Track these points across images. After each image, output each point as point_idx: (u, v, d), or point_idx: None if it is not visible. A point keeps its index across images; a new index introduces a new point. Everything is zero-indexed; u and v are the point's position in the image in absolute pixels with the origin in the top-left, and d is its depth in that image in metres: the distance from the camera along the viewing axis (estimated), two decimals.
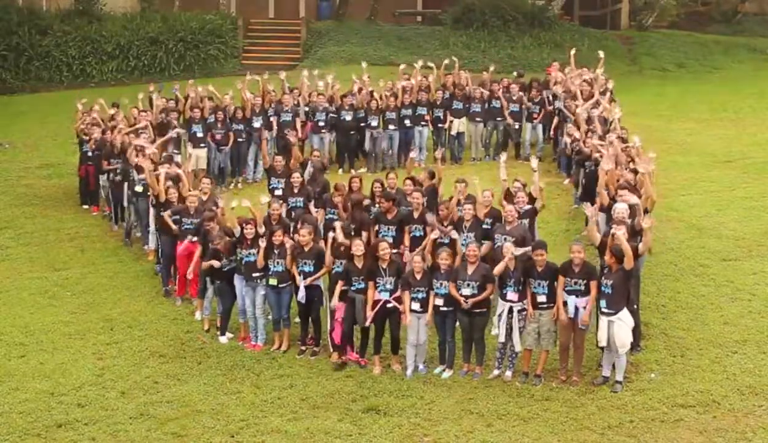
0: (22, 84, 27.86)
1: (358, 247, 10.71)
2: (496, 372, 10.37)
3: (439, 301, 10.39)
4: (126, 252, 14.99)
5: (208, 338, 11.68)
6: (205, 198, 13.10)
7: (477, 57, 28.85)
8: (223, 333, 11.70)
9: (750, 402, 9.44)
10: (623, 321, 9.74)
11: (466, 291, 10.26)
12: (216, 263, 11.51)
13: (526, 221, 11.70)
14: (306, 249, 11.04)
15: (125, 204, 15.52)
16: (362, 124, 18.47)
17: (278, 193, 13.81)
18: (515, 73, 20.99)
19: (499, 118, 18.83)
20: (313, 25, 31.58)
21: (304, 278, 10.97)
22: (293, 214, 12.82)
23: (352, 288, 10.68)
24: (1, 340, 11.78)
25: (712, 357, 10.41)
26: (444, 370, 10.51)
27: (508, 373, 10.29)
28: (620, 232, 9.89)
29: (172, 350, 11.35)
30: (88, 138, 16.71)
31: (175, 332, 11.90)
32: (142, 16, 29.68)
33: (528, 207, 11.92)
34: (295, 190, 13.38)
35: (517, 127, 18.87)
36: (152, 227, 14.14)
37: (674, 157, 18.72)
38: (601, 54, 19.84)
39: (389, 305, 10.51)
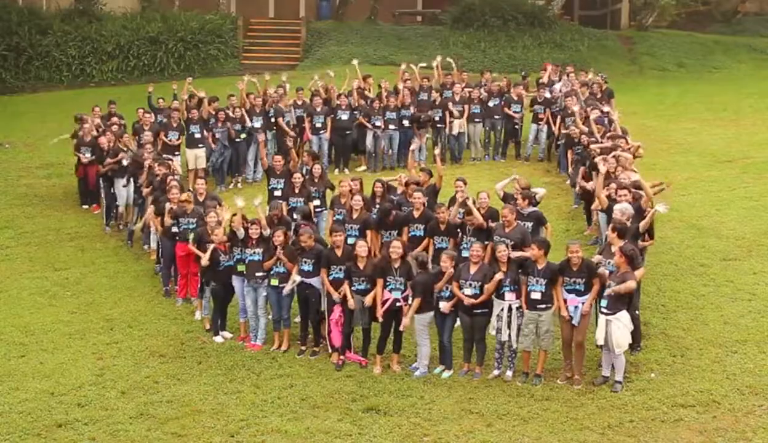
0: (22, 84, 27.84)
1: (362, 248, 10.72)
2: (495, 372, 10.37)
3: (441, 303, 10.41)
4: (126, 252, 15.01)
5: (208, 338, 11.68)
6: (201, 199, 13.06)
7: (477, 57, 28.87)
8: (216, 334, 11.70)
9: (750, 402, 9.43)
10: (621, 322, 9.74)
11: (468, 291, 10.28)
12: (205, 260, 11.52)
13: (530, 224, 11.68)
14: (306, 249, 11.05)
15: (121, 204, 15.56)
16: (357, 124, 18.48)
17: (278, 193, 13.80)
18: (522, 75, 21.04)
19: (497, 116, 18.86)
20: (313, 25, 31.58)
21: (304, 277, 10.99)
22: (294, 214, 12.83)
23: (353, 288, 10.69)
24: (1, 340, 11.79)
25: (712, 357, 10.41)
26: (444, 370, 10.51)
27: (509, 373, 10.29)
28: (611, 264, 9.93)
29: (172, 350, 11.35)
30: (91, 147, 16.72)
31: (175, 332, 11.90)
32: (142, 16, 29.66)
33: (531, 209, 11.89)
34: (296, 190, 13.37)
35: (518, 126, 18.92)
36: (153, 227, 14.17)
37: (674, 157, 18.72)
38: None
39: (398, 304, 10.54)
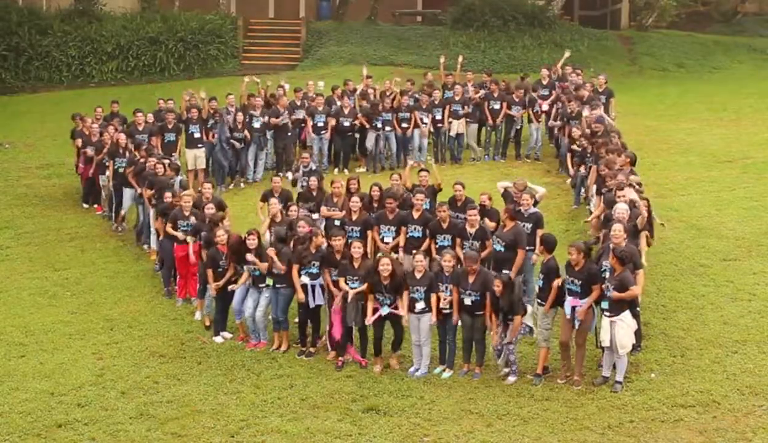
0: (22, 84, 27.82)
1: (356, 249, 10.74)
2: (505, 371, 10.33)
3: (444, 304, 10.43)
4: (126, 252, 15.02)
5: (208, 338, 11.69)
6: (207, 202, 12.92)
7: (477, 57, 28.84)
8: (217, 334, 11.71)
9: (750, 402, 9.43)
10: (625, 322, 9.74)
11: (467, 301, 10.33)
12: (234, 287, 11.57)
13: (529, 225, 11.70)
14: (313, 251, 11.08)
15: (126, 205, 15.59)
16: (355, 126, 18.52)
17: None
18: (521, 76, 21.03)
19: (498, 119, 18.86)
20: (313, 25, 31.57)
21: (312, 279, 11.02)
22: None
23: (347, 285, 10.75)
24: (1, 340, 11.79)
25: (712, 357, 10.40)
26: (444, 370, 10.51)
27: (511, 378, 10.24)
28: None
29: (172, 350, 11.35)
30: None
31: (175, 332, 11.91)
32: (142, 16, 29.63)
33: (532, 210, 11.90)
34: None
35: (519, 126, 18.90)
36: (153, 228, 14.23)
37: (674, 157, 18.71)
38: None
39: (388, 312, 10.59)
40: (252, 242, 11.33)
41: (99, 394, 10.20)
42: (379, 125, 18.33)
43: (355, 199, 12.30)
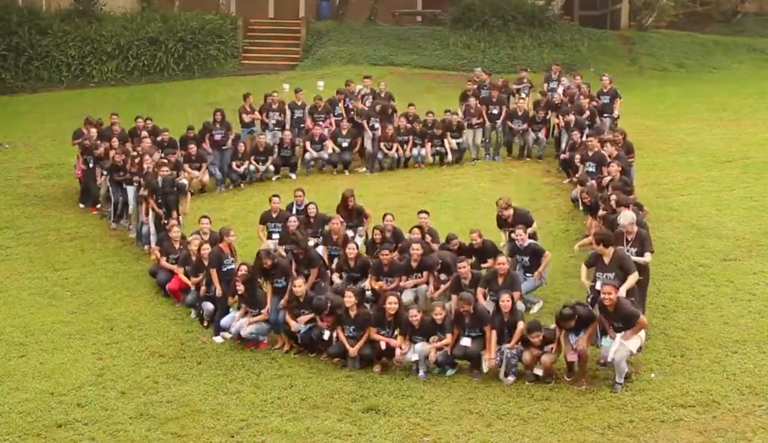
0: (22, 84, 27.77)
1: (350, 299, 10.74)
2: (501, 375, 10.32)
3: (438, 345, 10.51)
4: (126, 252, 15.03)
5: (208, 338, 11.69)
6: (205, 237, 12.74)
7: (477, 57, 28.86)
8: (217, 334, 11.72)
9: (750, 402, 9.41)
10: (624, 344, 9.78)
11: (466, 341, 10.39)
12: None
13: (526, 258, 11.73)
14: (301, 300, 11.15)
15: (131, 203, 15.63)
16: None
17: (275, 236, 13.40)
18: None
19: (498, 121, 18.88)
20: (313, 25, 31.57)
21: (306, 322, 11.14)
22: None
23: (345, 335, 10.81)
24: (1, 340, 11.79)
25: (712, 357, 10.40)
26: (447, 368, 10.51)
27: (510, 378, 10.24)
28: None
29: (172, 350, 11.35)
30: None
31: (175, 332, 11.91)
32: (142, 16, 29.59)
33: (528, 243, 11.82)
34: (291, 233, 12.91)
35: (520, 131, 18.84)
36: (152, 228, 14.28)
37: (674, 157, 18.71)
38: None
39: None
40: (240, 289, 11.40)
41: (99, 394, 10.20)
42: (377, 125, 18.33)
43: (351, 245, 12.27)
